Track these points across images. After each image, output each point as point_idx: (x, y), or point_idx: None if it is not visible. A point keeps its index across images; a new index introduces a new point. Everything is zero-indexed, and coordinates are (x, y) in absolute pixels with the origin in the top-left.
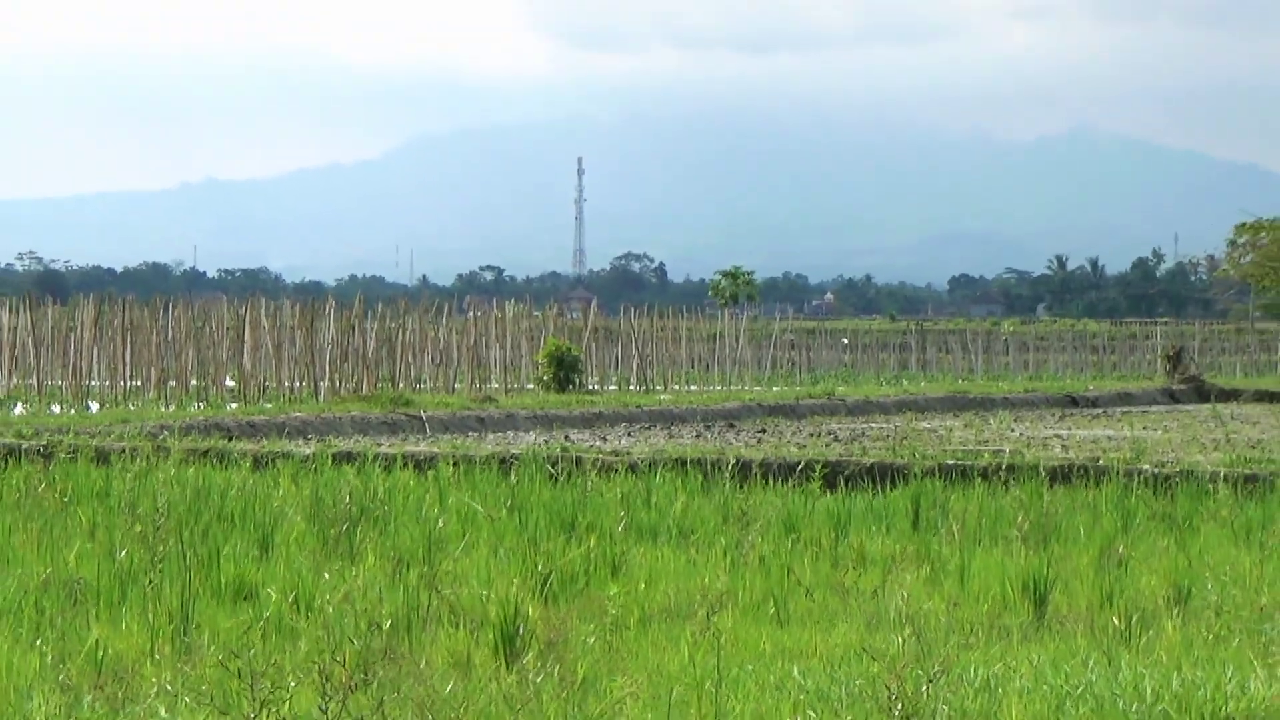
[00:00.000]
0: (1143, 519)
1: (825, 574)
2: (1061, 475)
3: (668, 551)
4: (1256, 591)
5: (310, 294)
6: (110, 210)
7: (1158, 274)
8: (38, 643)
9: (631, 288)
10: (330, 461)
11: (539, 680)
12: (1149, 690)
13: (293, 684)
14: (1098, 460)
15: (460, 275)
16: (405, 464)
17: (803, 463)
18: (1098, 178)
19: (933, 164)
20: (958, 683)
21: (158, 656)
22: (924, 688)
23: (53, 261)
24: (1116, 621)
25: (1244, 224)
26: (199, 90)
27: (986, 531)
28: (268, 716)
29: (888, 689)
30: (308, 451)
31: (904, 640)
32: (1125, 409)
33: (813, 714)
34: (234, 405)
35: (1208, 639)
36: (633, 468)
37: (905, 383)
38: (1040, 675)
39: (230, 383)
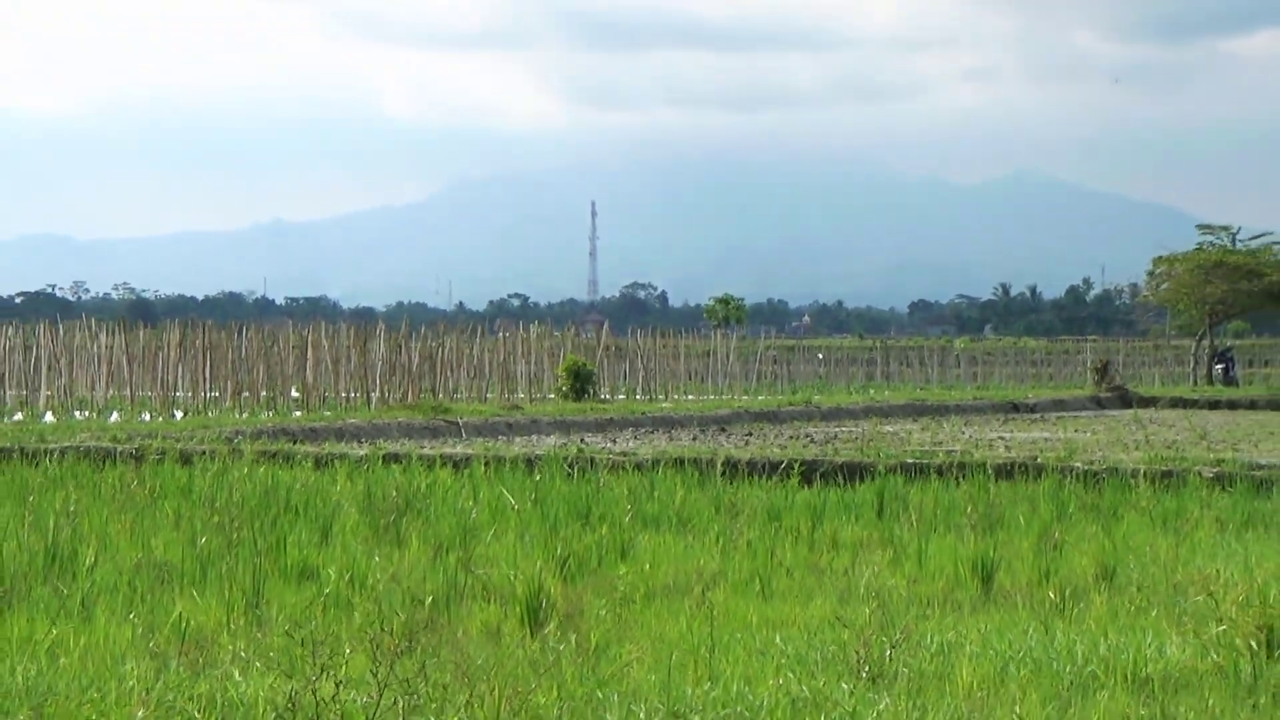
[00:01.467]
0: (1075, 509)
1: (803, 556)
2: (1005, 472)
3: (669, 538)
4: (1172, 570)
5: (363, 317)
6: (192, 247)
7: (1087, 299)
8: (130, 616)
9: (638, 311)
10: (380, 461)
11: (559, 647)
12: (1080, 654)
13: (348, 651)
14: (1036, 459)
15: (491, 301)
16: (444, 463)
17: (784, 461)
18: (1036, 215)
19: (894, 204)
20: (916, 648)
21: (232, 628)
22: (888, 652)
23: (144, 291)
24: (1052, 595)
25: (1160, 257)
26: (268, 141)
27: (941, 520)
28: (327, 679)
29: (856, 653)
30: (361, 453)
31: (870, 612)
32: (1059, 414)
33: (792, 675)
34: (298, 413)
35: (1130, 610)
36: (639, 466)
37: (872, 392)
38: (987, 641)
39: (295, 394)
